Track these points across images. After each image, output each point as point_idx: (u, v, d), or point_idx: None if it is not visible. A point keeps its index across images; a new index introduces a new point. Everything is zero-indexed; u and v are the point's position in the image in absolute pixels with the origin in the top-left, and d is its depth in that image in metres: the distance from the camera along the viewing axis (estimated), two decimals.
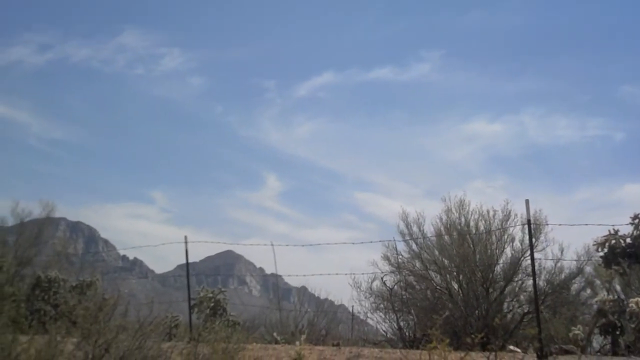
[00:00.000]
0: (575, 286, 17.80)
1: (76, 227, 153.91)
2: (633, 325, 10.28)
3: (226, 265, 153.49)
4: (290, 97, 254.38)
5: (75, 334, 6.23)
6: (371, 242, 17.75)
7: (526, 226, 17.48)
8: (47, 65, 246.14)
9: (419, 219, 18.83)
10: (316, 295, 21.08)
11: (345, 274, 18.19)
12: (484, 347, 13.63)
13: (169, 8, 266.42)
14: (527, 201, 12.35)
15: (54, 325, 7.01)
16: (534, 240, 17.22)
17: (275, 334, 17.19)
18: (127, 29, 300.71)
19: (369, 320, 19.58)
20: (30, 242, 19.63)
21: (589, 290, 17.80)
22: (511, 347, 11.86)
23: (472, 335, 10.81)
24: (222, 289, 17.22)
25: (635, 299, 10.85)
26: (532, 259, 12.75)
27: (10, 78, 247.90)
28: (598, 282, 17.42)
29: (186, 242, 14.66)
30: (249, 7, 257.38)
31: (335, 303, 21.50)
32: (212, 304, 16.20)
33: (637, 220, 11.82)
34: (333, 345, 13.48)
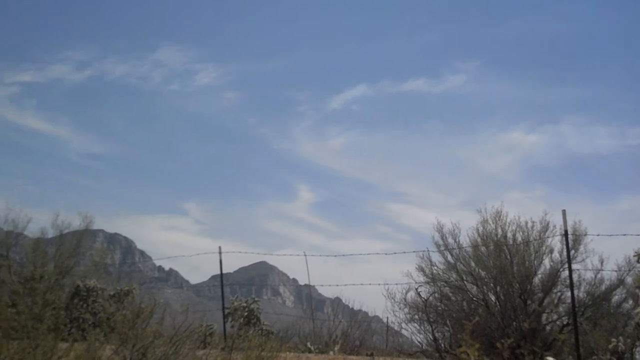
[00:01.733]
0: (616, 298, 17.46)
1: (113, 239, 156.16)
2: None
3: (260, 276, 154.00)
4: (324, 110, 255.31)
5: (113, 339, 6.32)
6: (404, 252, 17.67)
7: (564, 237, 17.49)
8: (86, 82, 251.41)
9: (454, 230, 18.69)
10: (350, 306, 21.05)
11: (379, 284, 18.10)
12: (520, 356, 13.50)
13: (203, 24, 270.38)
14: (564, 212, 12.19)
15: (93, 332, 7.11)
16: (573, 251, 17.12)
17: (308, 344, 17.19)
18: (163, 45, 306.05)
19: (404, 331, 19.46)
20: (70, 253, 20.04)
21: (630, 302, 17.45)
22: (549, 358, 11.67)
23: (503, 341, 10.73)
24: (256, 299, 17.28)
25: None
26: (570, 270, 12.55)
27: (51, 95, 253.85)
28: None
29: (220, 253, 14.80)
30: (282, 21, 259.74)
31: (370, 314, 21.42)
32: (245, 313, 16.27)
33: None
34: (367, 355, 13.42)
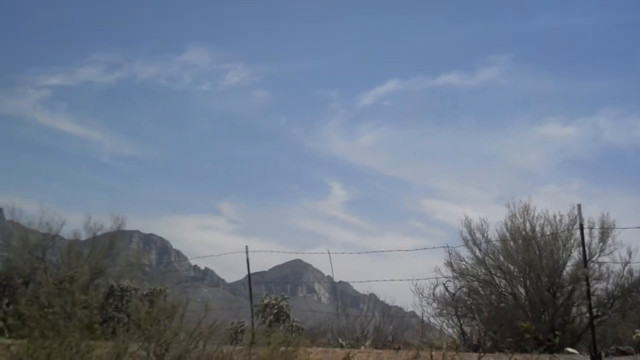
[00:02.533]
0: None
1: (149, 239, 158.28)
2: None
3: (295, 274, 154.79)
4: (355, 107, 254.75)
5: (138, 336, 6.62)
6: (434, 247, 17.72)
7: (594, 230, 17.47)
8: (116, 84, 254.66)
9: (482, 225, 18.78)
10: (385, 302, 21.20)
11: (407, 280, 18.24)
12: (548, 350, 13.54)
13: (231, 24, 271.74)
14: (579, 206, 12.28)
15: (121, 329, 7.43)
16: (601, 244, 17.12)
17: (340, 340, 17.39)
18: (192, 46, 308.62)
19: (437, 326, 19.55)
20: (103, 254, 20.55)
21: None
22: (569, 349, 11.72)
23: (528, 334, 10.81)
24: (285, 296, 17.56)
25: None
26: (585, 261, 12.64)
27: (81, 98, 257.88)
28: None
29: (247, 252, 15.11)
30: (311, 19, 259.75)
31: (405, 309, 21.53)
32: (275, 311, 16.54)
33: None
34: (394, 349, 13.60)
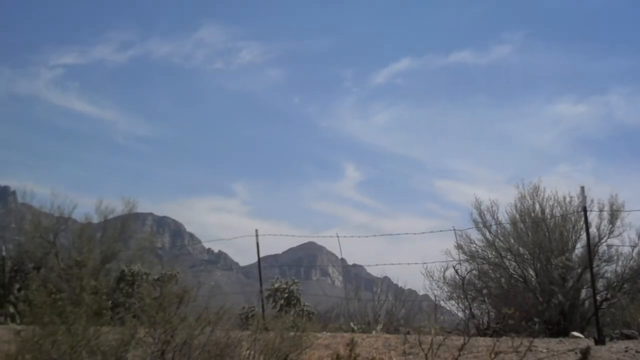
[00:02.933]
0: None
1: (162, 222, 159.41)
2: None
3: (308, 256, 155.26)
4: (368, 86, 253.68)
5: (146, 322, 6.69)
6: (440, 231, 17.74)
7: (604, 212, 17.39)
8: (129, 62, 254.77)
9: (492, 206, 18.73)
10: (399, 285, 21.26)
11: (418, 264, 18.27)
12: (557, 333, 13.57)
13: (244, 1, 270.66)
14: (582, 188, 12.28)
15: (129, 315, 7.51)
16: (610, 225, 17.05)
17: (352, 324, 17.47)
18: (205, 23, 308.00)
19: (451, 309, 19.58)
20: (114, 238, 20.67)
21: None
22: (574, 333, 11.73)
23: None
24: (296, 280, 17.63)
25: None
26: (589, 245, 12.66)
27: (94, 77, 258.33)
28: None
29: (257, 236, 15.16)
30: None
31: (418, 292, 21.58)
32: (285, 295, 16.63)
33: None
34: (403, 333, 13.65)
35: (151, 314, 6.16)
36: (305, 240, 37.53)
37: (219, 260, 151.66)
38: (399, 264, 17.86)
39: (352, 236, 17.30)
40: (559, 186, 18.40)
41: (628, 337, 10.78)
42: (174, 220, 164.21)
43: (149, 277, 17.87)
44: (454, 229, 17.26)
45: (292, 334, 8.35)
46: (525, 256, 18.01)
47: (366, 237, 17.87)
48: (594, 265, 17.21)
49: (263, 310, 14.93)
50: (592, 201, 17.18)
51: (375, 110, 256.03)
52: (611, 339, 10.52)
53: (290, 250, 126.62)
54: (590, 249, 12.67)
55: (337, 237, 16.56)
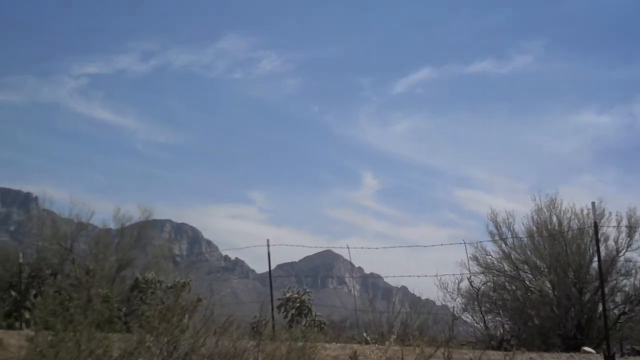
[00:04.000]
0: None
1: (180, 229, 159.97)
2: None
3: (325, 264, 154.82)
4: (387, 94, 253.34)
5: (148, 332, 6.68)
6: (450, 244, 17.50)
7: (622, 225, 17.17)
8: (151, 72, 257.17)
9: (508, 218, 18.58)
10: (417, 295, 21.10)
11: (427, 276, 18.13)
12: (574, 348, 13.36)
13: (265, 11, 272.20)
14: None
15: (136, 324, 7.51)
16: (628, 239, 16.83)
17: (365, 334, 17.34)
18: (226, 33, 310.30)
19: (468, 321, 19.41)
20: (131, 245, 20.74)
21: None
22: (586, 348, 11.54)
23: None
24: (307, 290, 17.57)
25: None
26: (599, 259, 12.51)
27: (116, 86, 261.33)
28: None
29: (268, 245, 15.15)
30: (344, 7, 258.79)
31: (436, 303, 21.40)
32: (297, 305, 16.57)
33: None
34: (413, 345, 13.49)
35: (154, 324, 6.15)
36: (323, 248, 37.41)
37: (236, 267, 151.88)
38: (409, 276, 17.80)
39: (362, 247, 17.25)
40: (581, 197, 18.28)
41: (639, 353, 10.59)
42: (192, 227, 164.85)
43: (162, 285, 17.89)
44: (464, 242, 17.08)
45: (299, 344, 8.30)
46: (542, 269, 17.82)
47: (376, 248, 17.77)
48: (612, 279, 17.04)
49: (273, 320, 14.87)
50: (609, 214, 17.08)
51: (394, 119, 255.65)
52: (622, 355, 10.34)
53: (307, 258, 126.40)
54: (601, 264, 12.49)
55: (348, 247, 16.48)
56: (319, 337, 13.40)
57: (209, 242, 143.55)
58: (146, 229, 22.54)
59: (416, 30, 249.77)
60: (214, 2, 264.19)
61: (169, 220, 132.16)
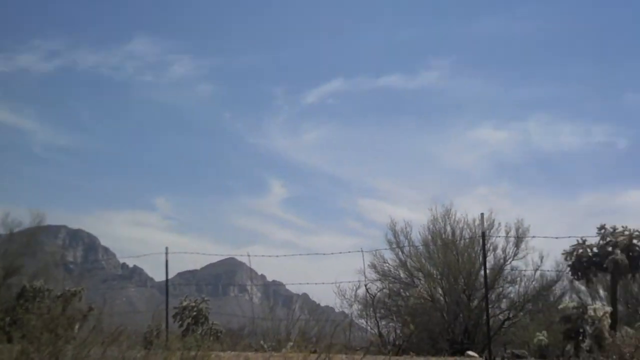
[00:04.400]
0: (556, 292, 17.98)
1: (76, 235, 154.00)
2: (591, 331, 10.49)
3: (228, 272, 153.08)
4: (299, 104, 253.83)
5: (35, 342, 6.45)
6: (349, 252, 17.79)
7: (510, 236, 18.03)
8: (55, 72, 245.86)
9: (406, 228, 19.11)
10: (317, 302, 21.25)
11: (332, 283, 18.37)
12: (460, 352, 13.86)
13: (178, 16, 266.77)
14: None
15: (19, 334, 7.23)
16: (515, 248, 17.71)
17: (262, 342, 17.32)
18: (137, 36, 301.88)
19: (367, 327, 19.75)
20: (19, 252, 19.85)
21: (574, 296, 17.99)
22: (469, 352, 12.05)
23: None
24: (205, 298, 17.39)
25: (594, 306, 11.07)
26: (485, 267, 13.08)
27: (16, 85, 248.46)
28: (583, 288, 17.68)
29: (167, 253, 14.92)
30: (259, 15, 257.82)
31: (335, 309, 21.64)
32: (194, 313, 16.37)
33: (603, 231, 12.03)
34: (311, 352, 13.63)
35: (37, 335, 5.95)
36: (226, 255, 37.04)
37: (134, 275, 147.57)
38: (308, 283, 17.94)
39: (262, 255, 17.25)
40: (476, 208, 19.00)
41: (518, 357, 11.15)
42: (88, 233, 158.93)
43: (51, 294, 17.21)
44: (362, 250, 17.44)
45: (192, 353, 8.23)
46: (435, 276, 18.44)
47: (277, 256, 17.84)
48: (499, 286, 17.87)
49: (167, 329, 14.62)
50: (499, 225, 17.92)
51: (305, 129, 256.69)
52: (502, 359, 10.86)
53: (210, 266, 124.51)
54: (486, 272, 13.11)
55: (249, 255, 16.47)
56: (215, 346, 13.31)
57: (106, 249, 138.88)
58: (37, 234, 21.66)
59: (328, 42, 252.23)
60: (124, 3, 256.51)
61: (64, 226, 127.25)
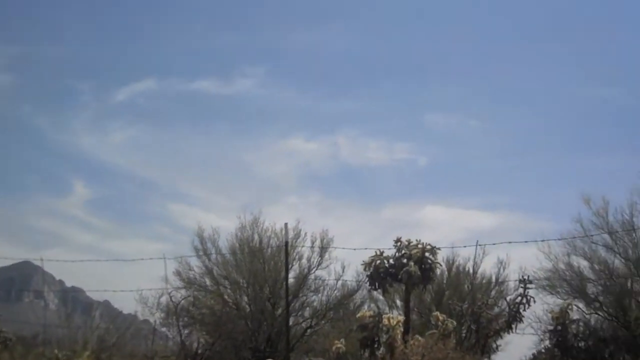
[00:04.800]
0: (357, 301, 18.70)
1: None
2: (384, 339, 11.07)
3: (23, 276, 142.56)
4: (107, 102, 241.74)
5: None
6: (150, 258, 17.36)
7: (315, 246, 18.55)
8: None
9: (214, 235, 18.94)
10: (119, 309, 20.39)
11: (133, 291, 17.77)
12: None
13: None
14: (285, 225, 13.18)
15: None
16: (319, 258, 18.26)
17: (56, 351, 16.37)
18: None
19: (169, 334, 19.26)
20: None
21: (372, 305, 18.82)
22: None
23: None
24: None
25: (388, 315, 11.69)
26: (287, 276, 13.51)
27: None
28: (382, 298, 18.54)
29: None
30: (66, 6, 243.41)
31: (140, 317, 20.88)
32: None
33: (399, 244, 12.73)
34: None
35: None
36: (18, 260, 34.54)
37: None
38: (108, 290, 17.25)
39: (59, 260, 16.29)
40: (286, 217, 19.29)
41: None
42: None
43: None
44: (165, 257, 17.07)
45: None
46: (241, 284, 18.46)
47: (73, 261, 16.92)
48: (303, 295, 18.30)
49: None
50: (305, 234, 18.38)
51: (113, 128, 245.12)
52: None
53: (3, 269, 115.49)
54: (288, 281, 13.51)
55: (42, 260, 15.47)
56: (4, 355, 12.37)
57: None
58: None
59: (142, 40, 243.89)
60: None
61: None
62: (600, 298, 17.48)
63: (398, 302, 18.54)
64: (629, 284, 17.36)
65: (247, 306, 18.29)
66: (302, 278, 18.11)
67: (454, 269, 19.10)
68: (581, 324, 14.20)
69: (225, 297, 18.57)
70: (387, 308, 18.73)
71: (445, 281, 18.88)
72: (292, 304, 17.92)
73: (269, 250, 18.53)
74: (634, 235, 17.33)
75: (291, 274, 18.13)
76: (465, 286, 18.74)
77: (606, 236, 17.41)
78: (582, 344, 13.77)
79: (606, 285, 17.39)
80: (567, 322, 13.54)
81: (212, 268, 18.88)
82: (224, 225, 19.38)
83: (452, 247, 18.29)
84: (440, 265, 14.68)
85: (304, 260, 18.24)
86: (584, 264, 17.69)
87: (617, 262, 17.47)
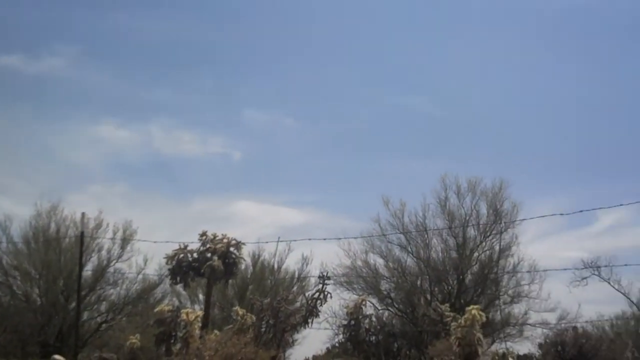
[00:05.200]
0: (158, 295, 18.30)
1: None
2: (181, 334, 10.93)
3: None
4: None
5: None
6: None
7: (117, 237, 17.92)
8: None
9: (5, 222, 17.78)
10: None
11: None
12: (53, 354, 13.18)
13: None
14: (82, 214, 12.72)
15: None
16: (120, 250, 17.68)
17: None
18: None
19: None
20: None
21: (174, 300, 18.49)
22: (56, 356, 11.59)
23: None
24: None
25: (187, 310, 11.57)
26: (80, 268, 12.98)
27: None
28: (184, 292, 18.25)
29: None
30: None
31: None
32: None
33: (204, 237, 12.64)
34: None
35: None
36: None
37: None
38: None
39: None
40: (91, 207, 18.26)
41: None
42: None
43: None
44: None
45: None
46: (33, 275, 17.35)
47: None
48: (100, 288, 17.59)
49: None
50: (107, 225, 17.70)
51: None
52: None
53: None
54: (81, 273, 13.03)
55: None
56: None
57: None
58: None
59: None
60: None
61: None
62: (392, 294, 18.67)
63: (200, 297, 18.52)
64: (418, 282, 18.71)
65: (38, 299, 17.27)
66: (101, 270, 17.46)
67: (258, 264, 19.38)
68: (374, 319, 14.98)
69: (14, 288, 17.42)
70: (189, 302, 18.61)
71: (249, 276, 19.09)
72: (88, 298, 17.20)
73: (67, 240, 17.63)
74: (425, 236, 18.75)
75: (89, 266, 17.43)
76: (269, 281, 19.09)
77: (401, 236, 18.69)
78: (373, 338, 14.49)
79: (398, 282, 18.60)
80: (360, 317, 14.16)
81: (1, 257, 17.60)
82: (21, 212, 18.07)
83: (257, 243, 18.56)
84: (244, 260, 14.80)
85: (104, 252, 17.62)
86: (380, 261, 18.85)
87: (410, 261, 18.85)
